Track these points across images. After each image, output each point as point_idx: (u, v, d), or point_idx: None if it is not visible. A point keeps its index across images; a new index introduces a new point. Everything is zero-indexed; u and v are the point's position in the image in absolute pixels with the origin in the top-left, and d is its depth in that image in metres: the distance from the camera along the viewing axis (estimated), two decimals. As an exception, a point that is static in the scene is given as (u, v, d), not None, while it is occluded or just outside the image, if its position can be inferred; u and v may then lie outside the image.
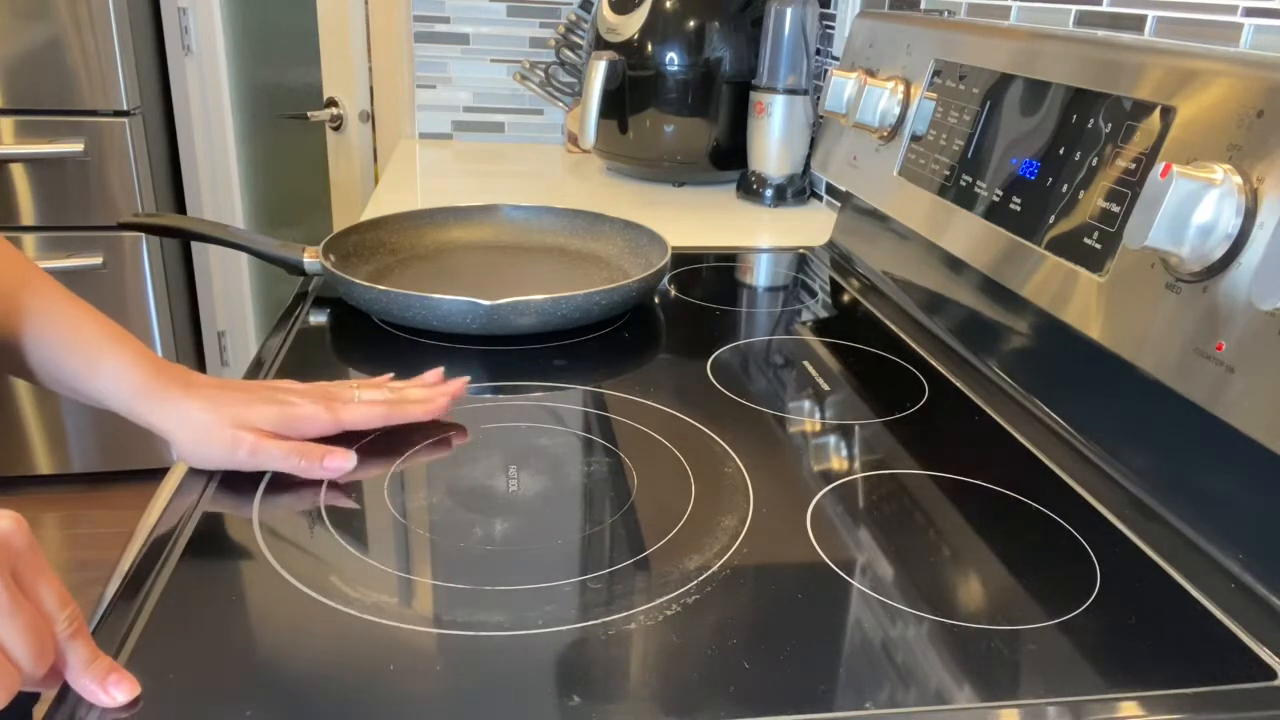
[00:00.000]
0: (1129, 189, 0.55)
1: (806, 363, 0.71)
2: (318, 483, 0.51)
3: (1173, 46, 0.57)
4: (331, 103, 1.99)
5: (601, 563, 0.45)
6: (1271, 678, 0.40)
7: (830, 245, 1.00)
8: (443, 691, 0.37)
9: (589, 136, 1.24)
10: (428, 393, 0.58)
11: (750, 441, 0.58)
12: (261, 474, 0.51)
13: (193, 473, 0.51)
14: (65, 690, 0.35)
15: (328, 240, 0.79)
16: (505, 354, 0.69)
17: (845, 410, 0.63)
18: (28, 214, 1.89)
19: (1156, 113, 0.54)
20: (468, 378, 0.61)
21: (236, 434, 0.51)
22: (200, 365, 2.31)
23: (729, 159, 1.28)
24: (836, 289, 0.89)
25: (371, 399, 0.56)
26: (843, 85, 0.90)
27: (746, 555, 0.46)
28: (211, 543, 0.46)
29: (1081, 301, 0.57)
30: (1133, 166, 0.55)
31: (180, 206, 2.15)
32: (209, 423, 0.51)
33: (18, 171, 1.85)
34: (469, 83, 1.61)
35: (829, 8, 1.22)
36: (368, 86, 1.95)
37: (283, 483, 0.51)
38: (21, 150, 1.83)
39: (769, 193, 1.23)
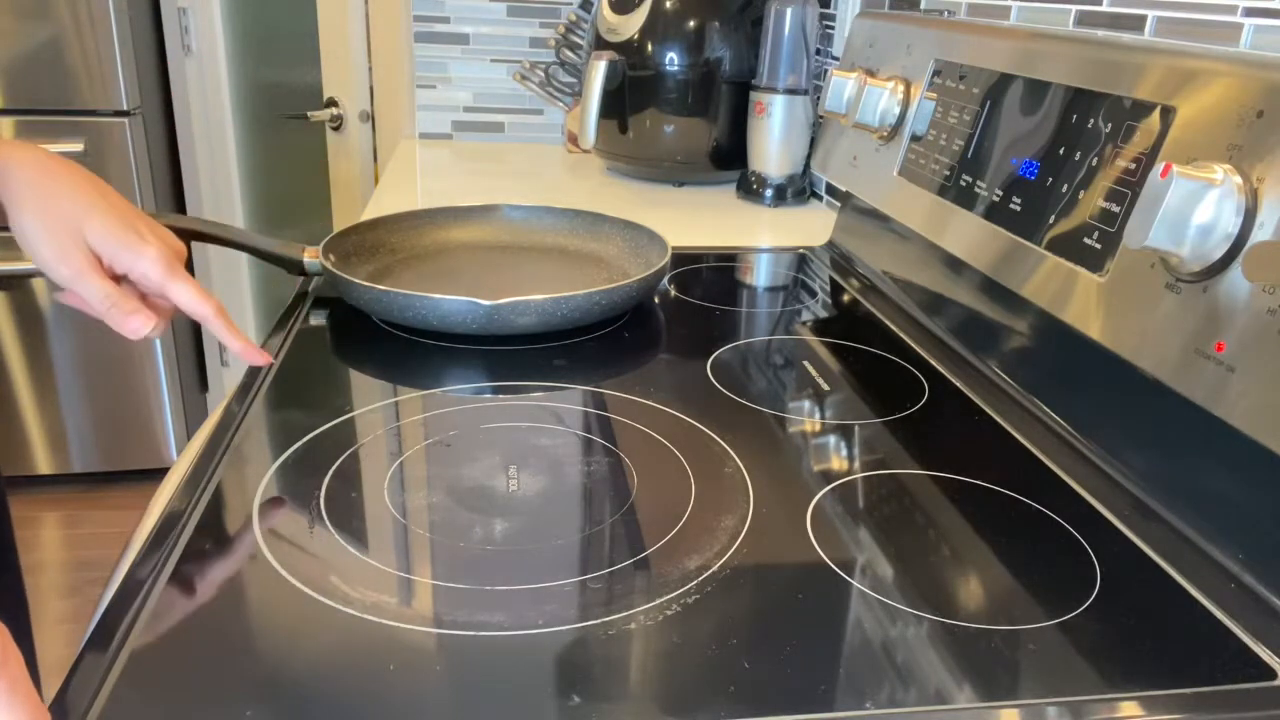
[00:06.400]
0: (1129, 189, 0.55)
1: (806, 363, 0.71)
2: (317, 479, 0.51)
3: (1173, 46, 0.57)
4: (331, 103, 1.99)
5: (601, 563, 0.45)
6: (1271, 678, 0.40)
7: (830, 245, 1.00)
8: (443, 691, 0.37)
9: (589, 136, 1.24)
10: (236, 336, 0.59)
11: (750, 441, 0.58)
12: (262, 475, 0.51)
13: (193, 473, 0.51)
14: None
15: (328, 240, 0.79)
16: (505, 354, 0.69)
17: (845, 410, 0.63)
18: (28, 214, 1.89)
19: (1156, 113, 0.54)
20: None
21: (67, 248, 0.49)
22: (200, 365, 2.31)
23: (729, 159, 1.28)
24: (836, 289, 0.89)
25: (202, 290, 0.56)
26: (843, 85, 0.90)
27: (746, 555, 0.46)
28: (211, 543, 0.46)
29: (1081, 301, 0.57)
30: (1133, 166, 0.55)
31: (180, 206, 2.15)
32: (45, 212, 0.49)
33: (18, 171, 1.85)
34: (469, 83, 1.61)
35: (829, 8, 1.22)
36: (368, 86, 1.95)
37: (283, 483, 0.51)
38: (21, 150, 1.82)
39: (769, 193, 1.23)
